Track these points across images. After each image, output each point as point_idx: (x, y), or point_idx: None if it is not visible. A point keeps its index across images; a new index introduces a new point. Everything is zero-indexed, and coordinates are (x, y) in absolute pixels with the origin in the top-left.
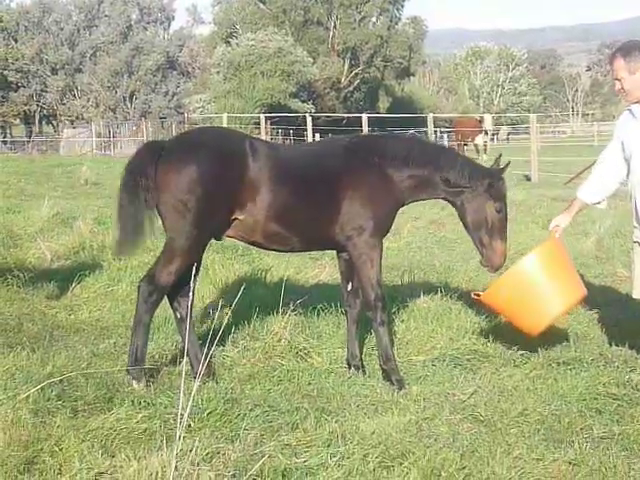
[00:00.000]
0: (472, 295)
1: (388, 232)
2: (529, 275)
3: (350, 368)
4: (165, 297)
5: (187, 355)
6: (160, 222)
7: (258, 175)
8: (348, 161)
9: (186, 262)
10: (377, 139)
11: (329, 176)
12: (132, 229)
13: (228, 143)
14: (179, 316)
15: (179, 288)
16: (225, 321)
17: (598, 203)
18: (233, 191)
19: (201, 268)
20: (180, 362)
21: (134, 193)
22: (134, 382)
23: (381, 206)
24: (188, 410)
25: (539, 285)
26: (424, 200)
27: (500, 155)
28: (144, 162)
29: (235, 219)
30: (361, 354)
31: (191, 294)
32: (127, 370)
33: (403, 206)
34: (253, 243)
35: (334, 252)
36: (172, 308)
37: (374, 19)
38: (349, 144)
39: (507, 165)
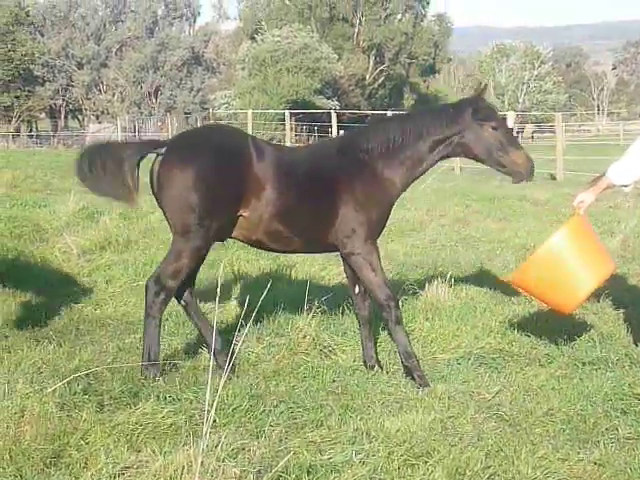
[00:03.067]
0: (503, 279)
1: (382, 232)
2: (557, 252)
3: (371, 368)
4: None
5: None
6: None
7: (263, 172)
8: (339, 163)
9: (193, 262)
10: (359, 134)
11: (326, 178)
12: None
13: (231, 140)
14: (184, 303)
15: (184, 283)
16: (250, 317)
17: (625, 186)
18: (238, 188)
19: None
20: (206, 357)
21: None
22: (150, 381)
23: (373, 209)
24: (214, 406)
25: (568, 261)
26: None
27: (480, 82)
28: (123, 153)
29: (240, 216)
30: (377, 354)
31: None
32: (141, 370)
33: (404, 191)
34: (255, 242)
35: None
36: (178, 301)
37: (399, 16)
38: (339, 144)
39: (485, 87)
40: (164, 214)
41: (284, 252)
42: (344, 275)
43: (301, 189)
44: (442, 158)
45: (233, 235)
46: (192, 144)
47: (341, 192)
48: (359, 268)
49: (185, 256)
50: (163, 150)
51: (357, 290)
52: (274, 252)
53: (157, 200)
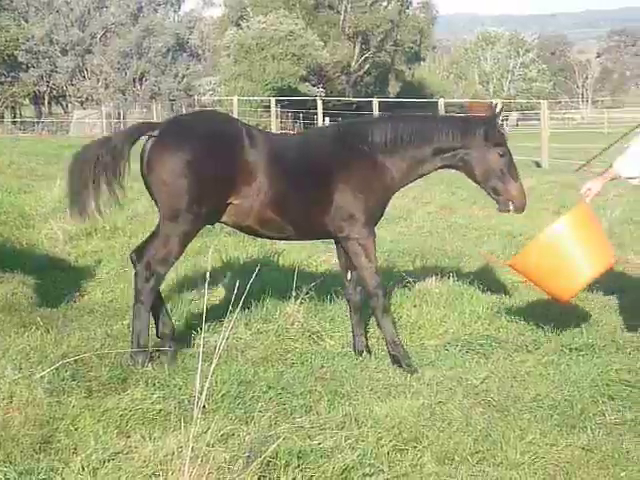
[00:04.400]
0: (503, 263)
1: (380, 220)
2: (559, 238)
3: (359, 355)
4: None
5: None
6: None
7: (255, 159)
8: (337, 151)
9: (181, 247)
10: (364, 125)
11: (321, 166)
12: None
13: (224, 126)
14: None
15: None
16: (239, 304)
17: (632, 178)
18: (229, 174)
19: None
20: (195, 343)
21: (94, 167)
22: (139, 367)
23: (372, 196)
24: (204, 392)
25: (569, 248)
26: (423, 177)
27: (494, 103)
28: (118, 142)
29: (230, 204)
30: (367, 340)
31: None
32: (130, 355)
33: (402, 188)
34: (245, 228)
35: None
36: None
37: (385, 3)
38: (338, 133)
39: (501, 110)
40: (152, 198)
41: (275, 239)
42: (332, 262)
43: (295, 177)
44: (444, 167)
45: (222, 220)
46: (184, 129)
47: (336, 179)
48: (354, 253)
49: (173, 241)
50: (155, 133)
51: (349, 276)
52: (264, 238)
53: (146, 184)
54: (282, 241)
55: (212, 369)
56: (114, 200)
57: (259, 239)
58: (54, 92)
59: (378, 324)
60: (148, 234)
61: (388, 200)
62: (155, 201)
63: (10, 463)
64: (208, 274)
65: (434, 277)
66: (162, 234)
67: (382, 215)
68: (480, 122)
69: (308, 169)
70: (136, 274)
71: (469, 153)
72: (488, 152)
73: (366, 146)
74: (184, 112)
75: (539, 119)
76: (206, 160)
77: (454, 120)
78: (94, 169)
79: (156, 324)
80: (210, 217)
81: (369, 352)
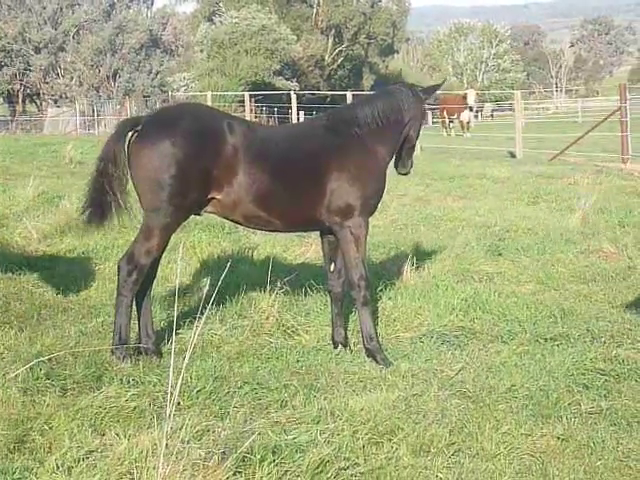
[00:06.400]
0: None
1: (376, 210)
2: None
3: (336, 347)
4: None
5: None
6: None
7: (235, 156)
8: (329, 139)
9: (164, 239)
10: (349, 111)
11: (311, 157)
12: (98, 212)
13: (205, 121)
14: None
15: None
16: (213, 299)
17: None
18: (208, 170)
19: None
20: (169, 340)
21: (102, 180)
22: (120, 362)
23: (370, 183)
24: (178, 388)
25: None
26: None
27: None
28: (112, 147)
29: (213, 198)
30: (346, 332)
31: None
32: (112, 350)
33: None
34: (234, 221)
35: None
36: None
37: None
38: (327, 122)
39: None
40: (135, 191)
41: (264, 231)
42: (307, 255)
43: (283, 170)
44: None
45: (209, 211)
46: (165, 123)
47: (330, 169)
48: (345, 241)
49: (156, 234)
50: (138, 127)
51: (332, 267)
52: (252, 229)
53: (130, 176)
54: (271, 232)
55: (185, 365)
56: (124, 203)
57: (232, 235)
58: (28, 90)
59: (358, 315)
60: (122, 232)
61: (384, 186)
62: (138, 194)
63: None
64: (179, 269)
65: (409, 269)
66: (144, 226)
67: (378, 203)
68: (420, 93)
69: (298, 160)
70: (119, 267)
71: (416, 122)
72: (422, 121)
73: (356, 130)
74: (158, 108)
75: (513, 109)
76: (183, 154)
77: (407, 93)
78: (105, 180)
79: (139, 329)
80: (192, 210)
81: (346, 345)
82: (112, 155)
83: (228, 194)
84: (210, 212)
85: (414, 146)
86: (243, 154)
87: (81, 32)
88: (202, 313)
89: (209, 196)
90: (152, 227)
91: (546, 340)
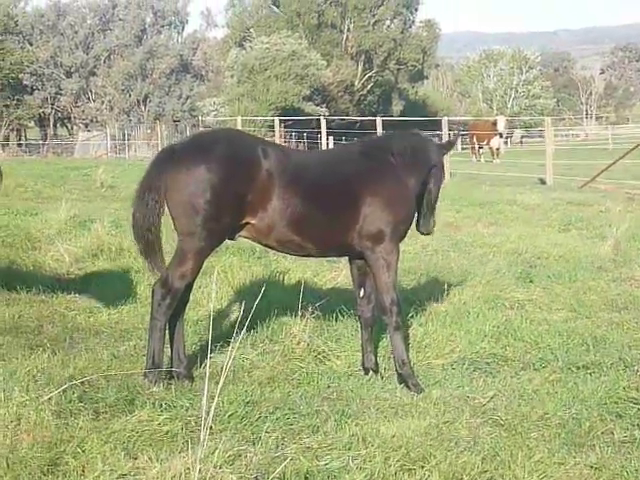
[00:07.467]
0: None
1: (405, 236)
2: None
3: (367, 373)
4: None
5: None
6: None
7: (270, 181)
8: (364, 165)
9: (198, 264)
10: (384, 138)
11: (345, 182)
12: (149, 245)
13: (240, 146)
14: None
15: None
16: (244, 324)
17: None
18: (243, 195)
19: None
20: (201, 364)
21: (145, 208)
22: (152, 386)
23: (401, 209)
24: (211, 413)
25: None
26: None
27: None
28: (152, 176)
29: (247, 223)
30: (376, 358)
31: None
32: (144, 374)
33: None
34: (267, 246)
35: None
36: None
37: (388, 22)
38: (363, 148)
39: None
40: (170, 215)
41: (297, 256)
42: (338, 280)
43: (317, 196)
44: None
45: (243, 236)
46: (201, 148)
47: (363, 194)
48: (377, 267)
49: (190, 258)
50: (175, 153)
51: (362, 293)
52: (286, 254)
53: (165, 201)
54: (303, 257)
55: (219, 390)
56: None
57: (263, 259)
58: (59, 114)
59: (390, 341)
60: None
61: (413, 213)
62: (173, 219)
63: None
64: (214, 294)
65: (440, 295)
66: (179, 250)
67: (408, 229)
68: (442, 143)
69: (333, 185)
70: (153, 291)
71: (437, 172)
72: (442, 175)
73: (391, 159)
74: (188, 133)
75: (543, 136)
76: (218, 179)
77: (431, 139)
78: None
79: (171, 353)
80: (226, 235)
81: (377, 371)
82: (155, 186)
83: (262, 219)
84: (244, 237)
85: (436, 201)
86: (277, 179)
87: (112, 57)
88: (234, 338)
89: (243, 221)
90: (186, 251)
91: (578, 368)
